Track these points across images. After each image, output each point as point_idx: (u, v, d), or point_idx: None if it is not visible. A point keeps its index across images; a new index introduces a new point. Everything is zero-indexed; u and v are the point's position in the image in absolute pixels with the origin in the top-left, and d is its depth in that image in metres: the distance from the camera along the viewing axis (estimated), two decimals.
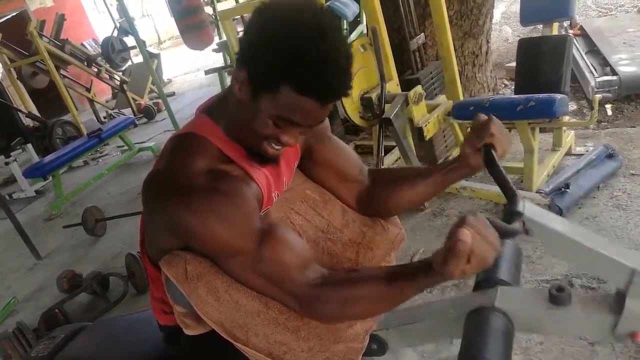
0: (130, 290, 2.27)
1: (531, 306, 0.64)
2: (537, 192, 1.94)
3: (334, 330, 0.77)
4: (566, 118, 2.14)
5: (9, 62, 5.46)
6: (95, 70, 5.88)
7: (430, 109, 2.12)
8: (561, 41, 2.10)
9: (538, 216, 0.64)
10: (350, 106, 2.16)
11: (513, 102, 1.89)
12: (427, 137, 2.05)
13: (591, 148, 2.21)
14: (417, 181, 0.87)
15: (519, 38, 2.57)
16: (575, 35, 3.62)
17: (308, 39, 0.62)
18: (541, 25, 2.26)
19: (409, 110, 2.02)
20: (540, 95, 1.86)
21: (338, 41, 0.65)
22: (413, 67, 2.59)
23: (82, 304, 2.36)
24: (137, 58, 7.05)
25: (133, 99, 5.95)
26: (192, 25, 4.13)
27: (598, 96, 1.99)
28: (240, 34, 4.35)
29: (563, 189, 1.92)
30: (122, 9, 4.12)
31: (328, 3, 3.22)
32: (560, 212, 1.88)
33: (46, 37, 5.32)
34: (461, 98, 2.48)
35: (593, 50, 3.35)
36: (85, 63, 5.72)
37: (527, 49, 2.22)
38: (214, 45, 4.70)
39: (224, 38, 4.57)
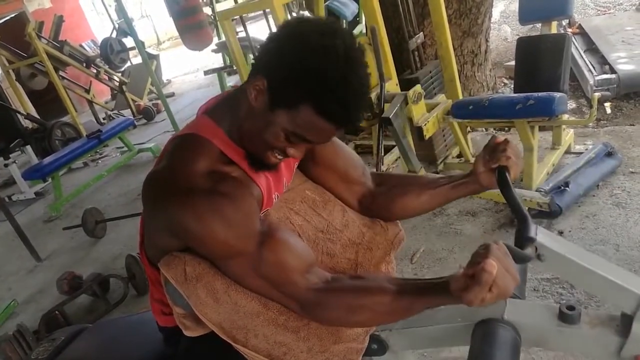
0: (130, 292, 2.27)
1: (540, 321, 0.65)
2: (536, 191, 1.94)
3: (334, 330, 0.77)
4: (565, 116, 2.13)
5: (7, 64, 5.46)
6: (94, 71, 5.87)
7: (430, 108, 2.12)
8: (560, 40, 2.10)
9: (550, 242, 0.65)
10: None
11: (512, 101, 1.89)
12: (427, 137, 2.04)
13: (590, 146, 2.21)
14: (423, 191, 0.87)
15: (517, 37, 2.57)
16: (573, 33, 3.62)
17: (338, 66, 0.64)
18: (540, 24, 2.26)
19: (409, 109, 2.02)
20: (540, 94, 1.86)
21: (363, 71, 0.68)
22: (412, 66, 2.59)
23: (82, 306, 2.36)
24: (136, 59, 7.06)
25: (132, 100, 5.95)
26: (191, 26, 4.13)
27: (597, 94, 1.99)
28: (240, 34, 4.34)
29: (563, 188, 1.92)
30: (121, 10, 4.12)
31: (327, 3, 3.21)
32: (560, 211, 1.88)
33: (45, 38, 5.31)
34: (460, 97, 2.48)
35: (592, 48, 3.35)
36: (84, 64, 5.71)
37: (526, 48, 2.22)
38: (213, 46, 4.69)
39: (223, 38, 4.57)
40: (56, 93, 5.37)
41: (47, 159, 3.88)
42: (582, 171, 2.00)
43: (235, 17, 4.03)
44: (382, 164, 2.12)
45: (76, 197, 3.92)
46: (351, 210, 0.91)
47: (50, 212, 3.73)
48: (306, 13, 5.28)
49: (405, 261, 1.92)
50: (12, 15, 7.11)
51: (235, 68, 3.60)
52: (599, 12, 4.56)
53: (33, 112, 6.21)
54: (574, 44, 3.27)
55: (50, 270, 2.85)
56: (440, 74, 2.57)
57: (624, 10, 4.34)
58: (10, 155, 4.41)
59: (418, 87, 2.06)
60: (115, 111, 6.17)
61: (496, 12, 5.09)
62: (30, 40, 5.01)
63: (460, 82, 2.56)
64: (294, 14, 4.93)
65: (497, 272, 0.56)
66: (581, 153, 2.18)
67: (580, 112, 2.93)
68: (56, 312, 2.13)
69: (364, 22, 3.54)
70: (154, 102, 6.10)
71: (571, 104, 2.97)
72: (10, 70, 5.53)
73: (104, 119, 6.08)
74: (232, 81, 5.28)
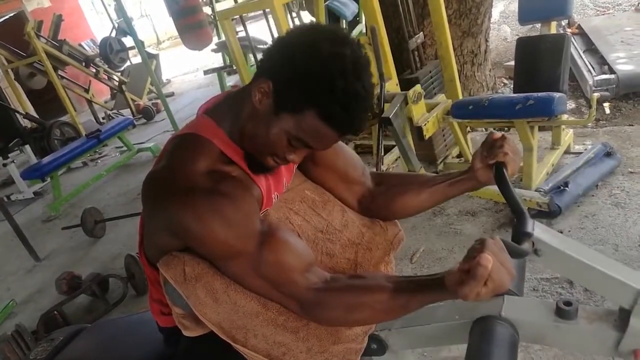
0: (129, 292, 2.27)
1: (537, 318, 0.65)
2: (536, 191, 1.94)
3: (333, 331, 0.77)
4: (565, 116, 2.14)
5: (6, 63, 5.45)
6: (94, 70, 5.87)
7: (430, 108, 2.12)
8: (559, 40, 2.10)
9: (547, 237, 0.65)
10: None
11: (512, 101, 1.89)
12: (427, 136, 2.04)
13: (590, 146, 2.21)
14: (423, 189, 0.87)
15: (517, 37, 2.57)
16: (573, 34, 3.62)
17: (346, 75, 0.65)
18: (539, 24, 2.26)
19: (408, 109, 2.02)
20: (539, 94, 1.86)
21: (368, 80, 0.69)
22: (412, 66, 2.59)
23: (81, 306, 2.36)
24: (135, 58, 7.05)
25: (132, 99, 5.94)
26: (191, 25, 4.12)
27: (596, 95, 2.00)
28: (240, 34, 4.33)
29: (562, 188, 1.92)
30: (120, 9, 4.11)
31: (327, 2, 3.21)
32: (559, 211, 1.89)
33: (44, 37, 5.31)
34: (460, 97, 2.49)
35: (591, 49, 3.36)
36: (84, 64, 5.71)
37: (526, 48, 2.22)
38: (212, 46, 4.69)
39: (223, 38, 4.57)
40: (55, 92, 5.36)
41: (46, 159, 3.87)
42: (581, 171, 2.01)
43: (235, 17, 4.02)
44: (382, 164, 2.12)
45: (75, 196, 3.91)
46: (350, 211, 0.91)
47: (49, 211, 3.72)
48: (306, 13, 5.29)
49: (405, 261, 1.92)
50: (11, 14, 7.10)
51: (235, 68, 3.60)
52: (598, 12, 4.57)
53: (32, 111, 6.20)
54: (573, 44, 3.28)
55: (49, 270, 2.85)
56: (440, 74, 2.57)
57: (623, 11, 4.35)
58: (9, 155, 4.40)
59: (418, 87, 2.06)
60: (115, 111, 6.16)
61: (496, 12, 5.10)
62: (29, 40, 5.00)
63: (460, 82, 2.56)
64: (294, 14, 4.93)
65: (492, 267, 0.56)
66: (580, 153, 2.19)
67: (580, 113, 2.94)
68: (55, 312, 2.13)
69: (364, 22, 3.54)
70: (153, 101, 6.09)
71: (570, 104, 2.97)
72: (9, 70, 5.52)
73: (103, 118, 6.07)
74: (231, 81, 5.27)
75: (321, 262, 0.83)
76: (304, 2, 5.11)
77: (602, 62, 3.10)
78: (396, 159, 2.38)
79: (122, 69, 6.33)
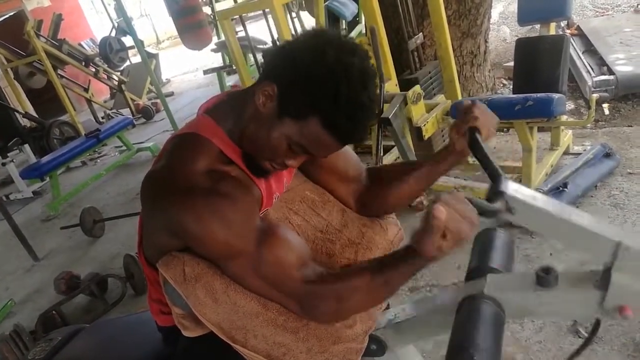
0: (128, 292, 2.27)
1: (519, 290, 0.64)
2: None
3: (333, 331, 0.77)
4: (564, 117, 2.14)
5: (5, 62, 5.45)
6: (93, 70, 5.87)
7: (429, 109, 2.12)
8: (558, 41, 2.11)
9: (521, 194, 0.63)
10: None
11: (511, 102, 1.89)
12: (426, 137, 2.05)
13: (589, 147, 2.22)
14: (411, 175, 0.88)
15: (516, 38, 2.58)
16: (572, 35, 3.63)
17: (351, 84, 0.64)
18: (539, 25, 2.27)
19: (408, 110, 2.02)
20: (538, 95, 1.86)
21: (374, 91, 0.69)
22: (411, 66, 2.60)
23: (79, 306, 2.35)
24: (135, 58, 7.04)
25: (131, 99, 5.94)
26: (191, 25, 4.12)
27: (595, 95, 2.00)
28: (240, 34, 4.33)
29: (561, 188, 1.92)
30: (120, 9, 4.11)
31: (327, 3, 3.21)
32: None
33: (43, 37, 5.30)
34: (460, 98, 2.49)
35: (590, 50, 3.36)
36: (83, 63, 5.70)
37: (525, 49, 2.23)
38: (212, 45, 4.69)
39: (223, 38, 4.57)
40: (55, 92, 5.35)
41: (45, 158, 3.87)
42: (580, 172, 2.01)
43: (234, 17, 4.02)
44: (382, 164, 2.12)
45: (74, 196, 3.91)
46: (350, 211, 0.91)
47: (48, 211, 3.72)
48: (306, 13, 5.29)
49: None
50: (11, 13, 7.09)
51: (234, 68, 3.60)
52: (597, 13, 4.58)
53: (31, 110, 6.19)
54: (572, 45, 3.28)
55: (47, 270, 2.85)
56: (440, 74, 2.58)
57: (622, 12, 4.35)
58: (8, 154, 4.39)
59: (417, 88, 2.07)
60: (114, 110, 6.16)
61: (495, 13, 5.10)
62: (28, 39, 4.99)
63: (459, 82, 2.57)
64: (294, 14, 4.93)
65: (448, 217, 0.56)
66: (579, 154, 2.19)
67: (579, 113, 2.94)
68: (53, 312, 2.13)
69: (363, 23, 3.54)
70: (153, 101, 6.09)
71: (569, 105, 2.98)
72: (9, 69, 5.52)
73: (102, 118, 6.06)
74: (231, 81, 5.28)
75: (321, 262, 0.83)
76: (303, 2, 5.11)
77: (601, 63, 3.10)
78: (395, 159, 2.38)
79: (121, 68, 6.32)
